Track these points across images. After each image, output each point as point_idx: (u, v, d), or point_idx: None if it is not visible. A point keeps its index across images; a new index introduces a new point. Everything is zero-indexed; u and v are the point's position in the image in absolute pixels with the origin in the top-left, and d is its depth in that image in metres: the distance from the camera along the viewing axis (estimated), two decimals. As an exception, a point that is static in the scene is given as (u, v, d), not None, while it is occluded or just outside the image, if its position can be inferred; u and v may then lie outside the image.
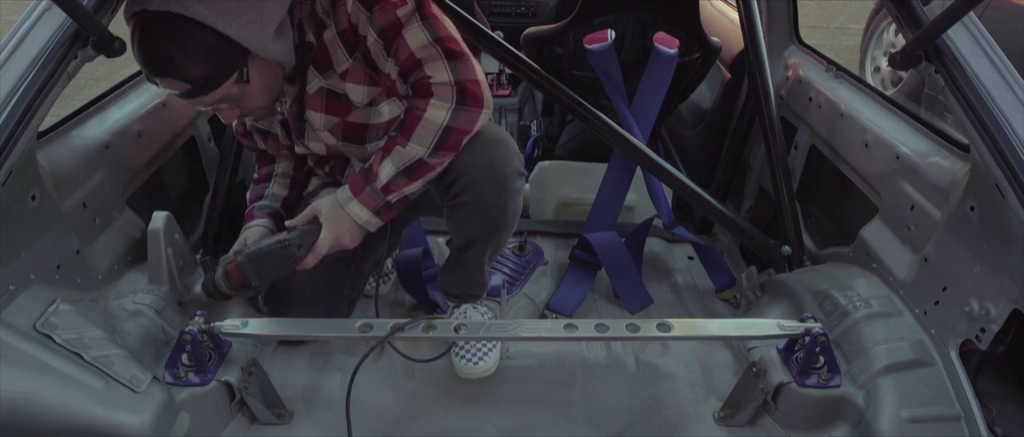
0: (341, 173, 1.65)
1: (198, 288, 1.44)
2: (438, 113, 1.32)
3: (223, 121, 1.44)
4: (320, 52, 1.40)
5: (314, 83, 1.44)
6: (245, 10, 1.24)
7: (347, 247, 1.42)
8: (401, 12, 1.32)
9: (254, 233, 1.56)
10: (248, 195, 1.70)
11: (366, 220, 1.39)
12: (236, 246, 1.52)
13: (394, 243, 1.89)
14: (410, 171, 1.35)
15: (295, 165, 1.72)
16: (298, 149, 1.57)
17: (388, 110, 1.51)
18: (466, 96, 1.32)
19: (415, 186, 1.37)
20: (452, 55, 1.32)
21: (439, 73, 1.32)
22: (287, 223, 1.43)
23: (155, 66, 1.24)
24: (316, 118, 1.47)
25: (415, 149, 1.33)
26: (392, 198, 1.37)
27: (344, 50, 1.39)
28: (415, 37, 1.32)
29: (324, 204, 1.40)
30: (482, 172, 1.40)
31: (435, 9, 1.37)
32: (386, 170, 1.34)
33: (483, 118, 1.36)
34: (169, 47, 1.22)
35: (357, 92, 1.44)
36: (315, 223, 1.40)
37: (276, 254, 1.37)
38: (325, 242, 1.38)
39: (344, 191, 1.39)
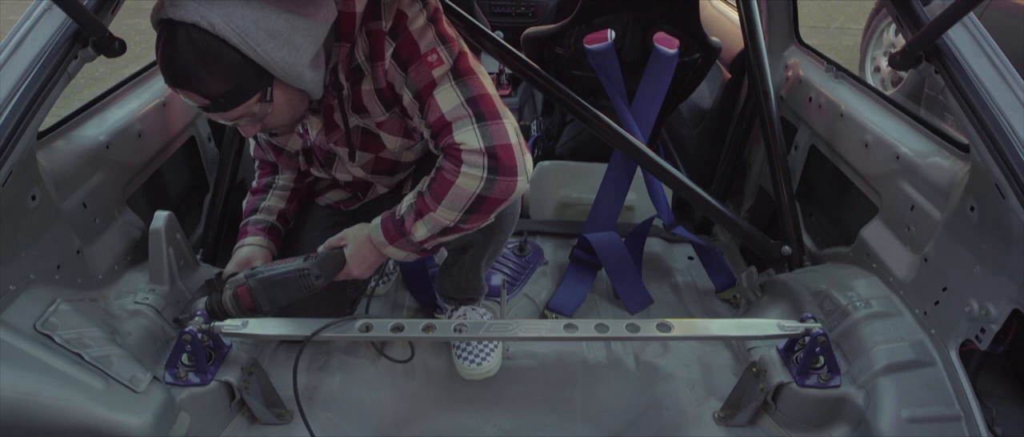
0: (362, 190, 1.64)
1: (201, 305, 1.42)
2: (470, 182, 1.25)
3: (243, 135, 1.40)
4: (357, 97, 1.38)
5: (352, 120, 1.42)
6: (273, 36, 1.17)
7: (364, 277, 1.44)
8: (437, 72, 1.28)
9: (245, 253, 1.52)
10: (244, 205, 1.66)
11: (404, 256, 1.39)
12: (231, 266, 1.50)
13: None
14: (444, 232, 1.32)
15: (297, 176, 1.69)
16: (320, 174, 1.56)
17: (421, 149, 1.51)
18: (498, 164, 1.25)
19: (449, 239, 1.36)
20: (482, 117, 1.26)
21: (469, 138, 1.25)
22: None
23: (175, 78, 1.19)
24: (345, 153, 1.47)
25: (445, 214, 1.28)
26: (428, 246, 1.37)
27: (381, 106, 1.38)
28: (446, 98, 1.27)
29: (351, 238, 1.39)
30: None
31: (472, 63, 1.32)
32: (420, 232, 1.32)
33: (520, 186, 1.28)
34: (192, 60, 1.16)
35: (391, 140, 1.44)
36: (337, 251, 1.39)
37: (293, 282, 1.35)
38: (346, 275, 1.40)
39: (379, 234, 1.36)
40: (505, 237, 1.55)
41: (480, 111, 1.27)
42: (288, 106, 1.29)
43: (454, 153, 1.26)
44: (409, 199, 1.33)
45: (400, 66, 1.29)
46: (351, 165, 1.49)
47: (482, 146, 1.24)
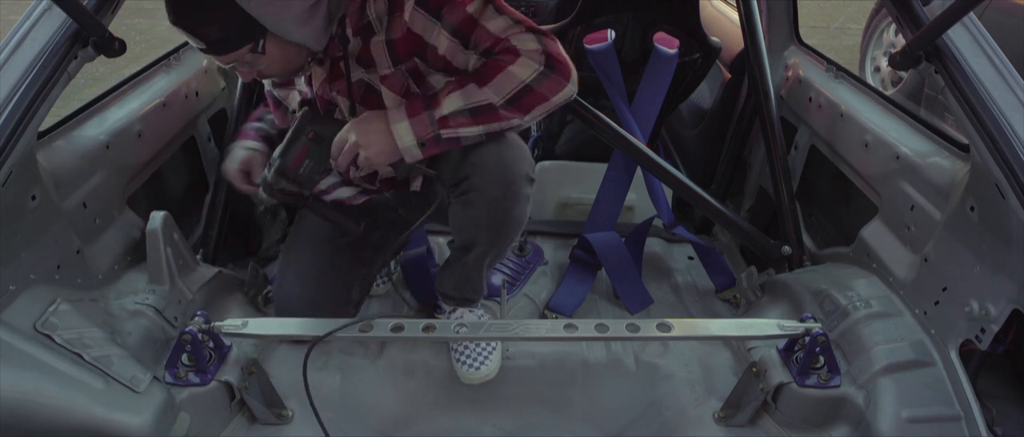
0: None
1: (262, 193, 1.45)
2: (523, 71, 1.28)
3: (241, 79, 1.46)
4: (364, 51, 1.40)
5: (356, 74, 1.44)
6: None
7: (372, 161, 1.35)
8: (471, 8, 1.31)
9: (242, 155, 1.55)
10: (248, 118, 1.72)
11: (407, 145, 1.31)
12: (229, 162, 1.57)
13: (403, 243, 1.89)
14: (477, 112, 1.30)
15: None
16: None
17: None
18: (554, 62, 1.29)
19: (472, 131, 1.32)
20: (537, 32, 1.31)
21: (528, 43, 1.29)
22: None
23: (175, 16, 1.25)
24: (346, 105, 1.48)
25: (489, 94, 1.29)
26: (444, 134, 1.31)
27: (388, 59, 1.39)
28: (495, 23, 1.31)
29: (365, 113, 1.38)
30: (491, 172, 1.38)
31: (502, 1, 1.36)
32: (452, 103, 1.29)
33: (567, 91, 1.32)
34: (190, 3, 1.24)
35: (391, 98, 1.44)
36: (339, 121, 1.40)
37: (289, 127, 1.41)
38: (345, 142, 1.34)
39: (398, 109, 1.33)
40: (511, 240, 1.54)
41: (533, 28, 1.31)
42: (282, 58, 1.35)
43: (511, 50, 1.29)
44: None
45: (431, 13, 1.32)
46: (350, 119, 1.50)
47: (541, 48, 1.29)
